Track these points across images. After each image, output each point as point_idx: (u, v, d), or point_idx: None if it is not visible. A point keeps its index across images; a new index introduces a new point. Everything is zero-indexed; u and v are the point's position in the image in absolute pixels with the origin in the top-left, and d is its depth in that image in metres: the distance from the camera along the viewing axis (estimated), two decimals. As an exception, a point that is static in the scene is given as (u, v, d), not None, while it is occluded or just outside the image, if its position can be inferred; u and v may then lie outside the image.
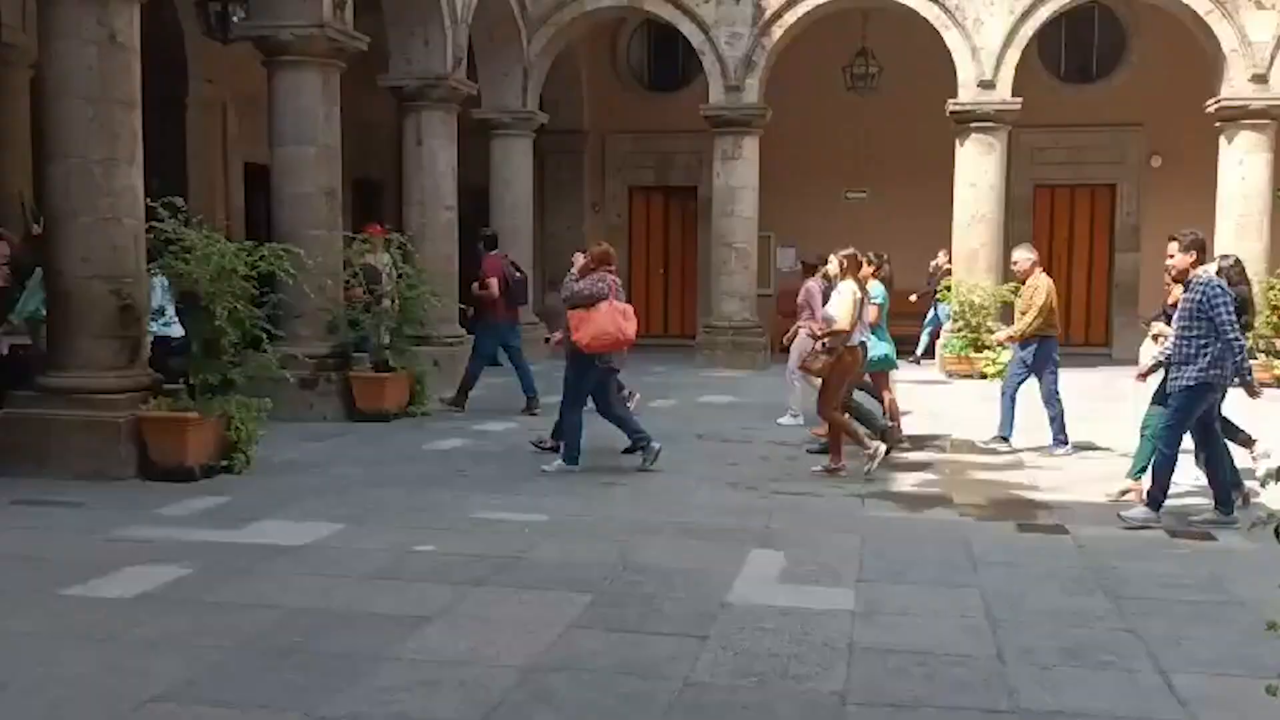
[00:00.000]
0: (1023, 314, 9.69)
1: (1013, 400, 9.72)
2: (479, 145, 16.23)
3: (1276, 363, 14.45)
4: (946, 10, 15.45)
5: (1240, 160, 14.98)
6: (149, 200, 8.16)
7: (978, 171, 15.61)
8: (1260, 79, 14.70)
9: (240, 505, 7.28)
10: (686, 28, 16.34)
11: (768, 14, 15.98)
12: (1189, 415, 6.99)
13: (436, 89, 13.70)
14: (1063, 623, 5.06)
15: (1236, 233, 14.98)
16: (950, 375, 15.21)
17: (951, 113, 15.62)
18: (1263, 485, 2.69)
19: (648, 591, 5.46)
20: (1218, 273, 7.61)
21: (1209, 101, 15.21)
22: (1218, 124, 15.22)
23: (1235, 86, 14.85)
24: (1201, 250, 7.06)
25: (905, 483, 8.41)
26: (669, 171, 20.09)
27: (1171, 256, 7.11)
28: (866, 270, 9.72)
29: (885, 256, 10.77)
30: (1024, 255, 9.98)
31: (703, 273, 18.57)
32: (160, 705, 4.06)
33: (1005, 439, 9.68)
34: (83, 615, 5.03)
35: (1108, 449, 9.79)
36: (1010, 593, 5.52)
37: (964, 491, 8.11)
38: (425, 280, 11.76)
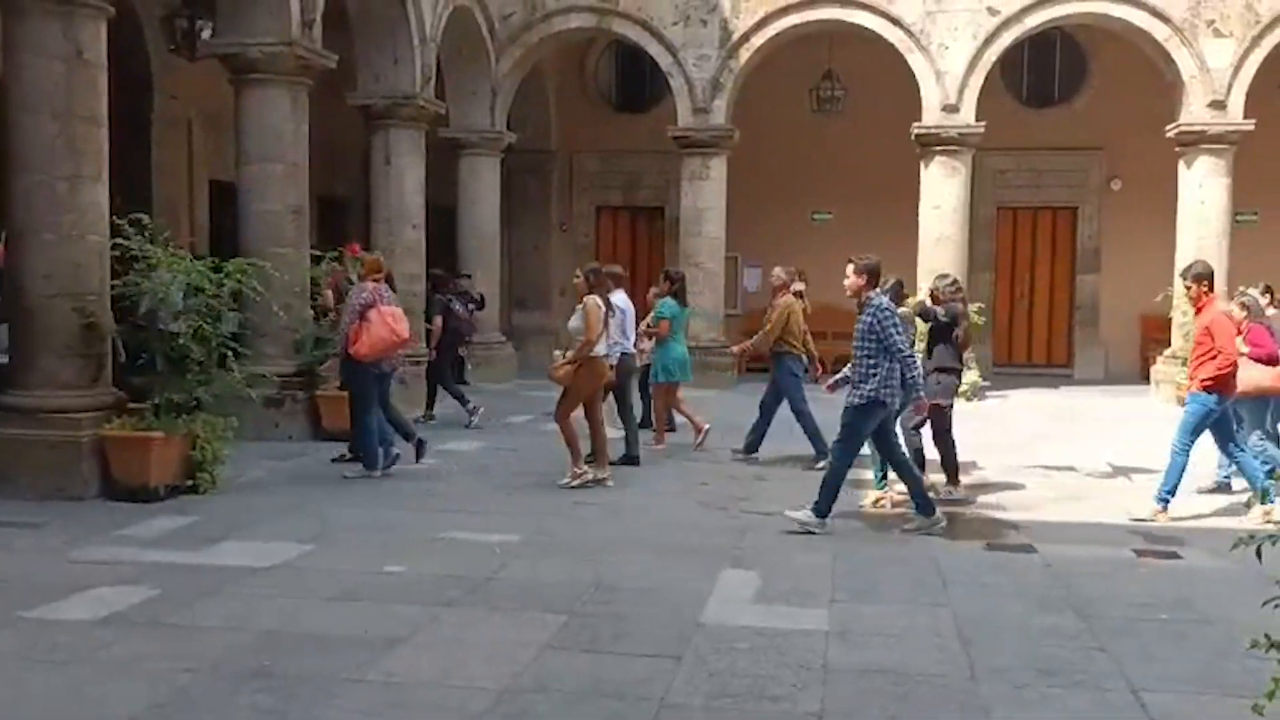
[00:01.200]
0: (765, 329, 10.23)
1: (799, 416, 10.03)
2: (446, 163, 16.19)
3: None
4: (911, 35, 15.62)
5: (1199, 184, 15.21)
6: (114, 217, 8.07)
7: (942, 193, 15.75)
8: (1219, 105, 14.96)
9: (205, 526, 7.19)
10: (655, 49, 16.40)
11: (735, 37, 16.08)
12: (859, 431, 7.45)
13: (405, 108, 13.66)
14: (1034, 641, 5.09)
15: (1196, 255, 15.07)
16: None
17: (916, 136, 15.77)
18: (1247, 506, 2.72)
19: (622, 612, 5.44)
20: (931, 291, 8.71)
21: (1169, 126, 15.45)
22: (1177, 149, 15.46)
23: (1194, 112, 15.10)
24: (875, 276, 7.51)
25: (873, 502, 8.43)
26: (636, 191, 20.12)
27: (848, 278, 7.54)
28: (664, 287, 11.05)
29: (682, 274, 11.75)
30: (775, 273, 10.57)
31: (670, 293, 18.56)
32: (128, 730, 3.99)
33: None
34: (46, 638, 4.94)
35: (1070, 468, 9.90)
36: (981, 612, 5.55)
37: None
38: (392, 299, 11.67)
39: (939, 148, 15.68)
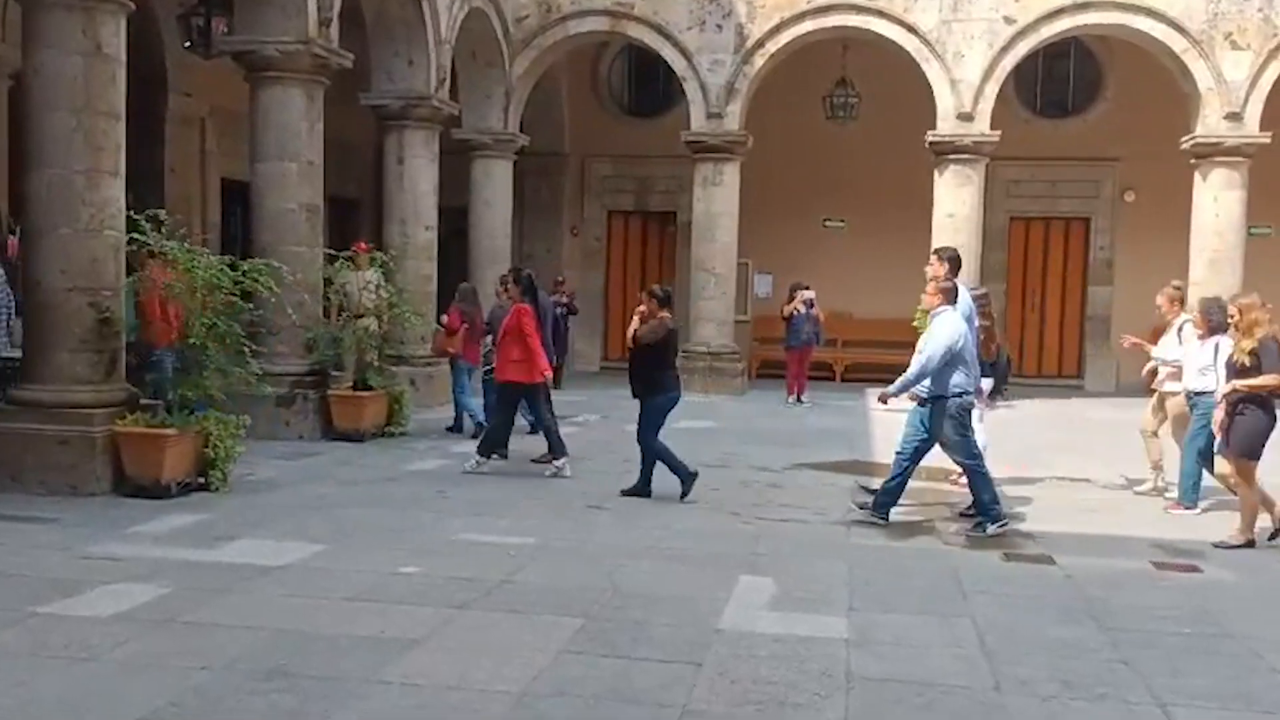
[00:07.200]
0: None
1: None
2: (459, 165, 16.15)
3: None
4: (927, 43, 15.58)
5: (1214, 197, 15.14)
6: (129, 213, 8.05)
7: (955, 202, 15.70)
8: (1235, 117, 14.90)
9: (218, 523, 7.15)
10: (669, 54, 16.37)
11: (750, 42, 16.05)
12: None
13: (419, 109, 13.64)
14: (1057, 653, 5.02)
15: (1210, 268, 15.13)
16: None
17: (930, 144, 15.72)
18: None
19: (638, 617, 5.38)
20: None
21: (1184, 138, 15.39)
22: (1192, 161, 15.39)
23: (1210, 124, 15.04)
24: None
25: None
26: (648, 196, 20.10)
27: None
28: None
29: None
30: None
31: (680, 298, 18.45)
32: (144, 728, 3.95)
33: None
34: (59, 635, 4.90)
35: (1085, 480, 9.85)
36: (1002, 622, 5.48)
37: (947, 520, 8.08)
38: (405, 300, 11.70)
39: (953, 156, 15.63)
